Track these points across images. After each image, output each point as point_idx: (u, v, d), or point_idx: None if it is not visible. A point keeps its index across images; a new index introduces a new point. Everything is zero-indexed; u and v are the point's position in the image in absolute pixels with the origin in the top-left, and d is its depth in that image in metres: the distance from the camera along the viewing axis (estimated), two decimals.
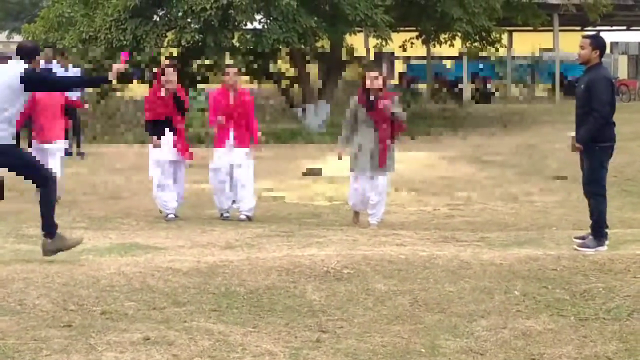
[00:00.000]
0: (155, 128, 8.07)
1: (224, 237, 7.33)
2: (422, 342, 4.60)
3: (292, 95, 18.87)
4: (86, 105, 13.59)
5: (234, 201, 8.25)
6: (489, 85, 23.83)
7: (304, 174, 11.56)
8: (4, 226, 8.04)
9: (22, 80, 5.24)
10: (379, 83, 7.63)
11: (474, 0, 16.48)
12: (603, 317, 4.89)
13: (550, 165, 13.10)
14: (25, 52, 5.58)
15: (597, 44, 6.01)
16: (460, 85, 23.52)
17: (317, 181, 11.69)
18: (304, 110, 17.86)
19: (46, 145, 8.92)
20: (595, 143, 5.91)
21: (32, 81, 5.38)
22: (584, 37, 6.35)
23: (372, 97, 7.51)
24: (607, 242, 6.03)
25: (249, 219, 7.92)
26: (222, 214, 8.23)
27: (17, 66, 5.41)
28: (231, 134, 8.01)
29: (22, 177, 5.96)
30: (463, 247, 6.69)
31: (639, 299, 5.04)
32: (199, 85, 17.42)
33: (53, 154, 8.82)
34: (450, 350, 4.48)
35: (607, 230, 6.09)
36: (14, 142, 6.25)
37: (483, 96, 23.03)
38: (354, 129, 7.74)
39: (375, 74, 7.63)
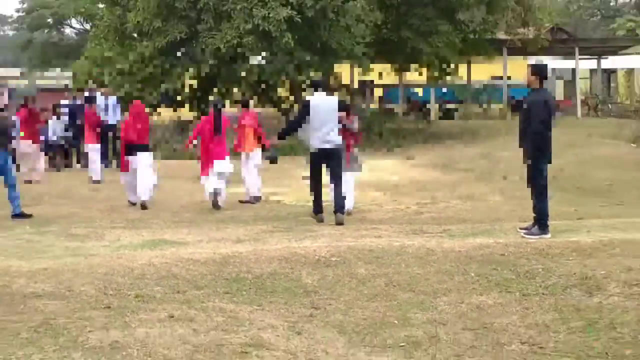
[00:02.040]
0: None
1: (235, 233, 8.14)
2: (396, 316, 5.29)
3: (291, 116, 21.03)
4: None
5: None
6: (451, 106, 27.29)
7: (303, 178, 12.39)
8: (56, 227, 8.94)
9: None
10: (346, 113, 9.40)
11: (438, 37, 18.77)
12: (542, 293, 5.63)
13: (501, 170, 14.42)
14: None
15: (537, 70, 6.76)
16: (428, 106, 27.01)
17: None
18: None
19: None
20: (537, 151, 6.73)
21: None
22: (529, 65, 7.09)
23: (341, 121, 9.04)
24: (549, 232, 6.83)
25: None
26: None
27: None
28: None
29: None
30: (429, 238, 7.48)
31: (571, 278, 5.81)
32: None
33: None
34: (419, 321, 5.15)
35: (549, 221, 6.87)
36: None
37: (446, 115, 26.31)
38: None
39: (342, 113, 9.18)
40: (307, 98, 9.18)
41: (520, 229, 7.15)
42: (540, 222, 6.83)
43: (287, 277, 6.03)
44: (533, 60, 16.83)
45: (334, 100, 9.12)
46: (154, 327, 4.84)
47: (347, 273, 6.16)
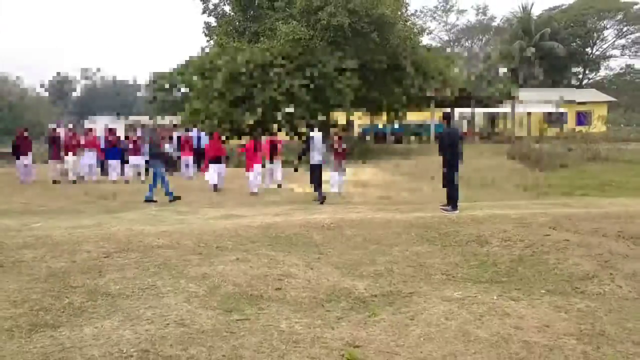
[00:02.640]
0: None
1: (274, 210, 10.45)
2: (367, 259, 7.22)
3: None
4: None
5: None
6: (400, 136, 37.30)
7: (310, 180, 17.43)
8: (170, 207, 12.05)
9: None
10: (338, 139, 14.44)
11: (392, 96, 26.35)
12: (453, 245, 7.74)
13: (429, 173, 18.43)
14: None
15: (446, 116, 9.88)
16: (387, 136, 37.61)
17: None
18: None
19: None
20: (450, 161, 9.71)
21: None
22: (442, 113, 10.35)
23: (334, 145, 13.76)
24: (458, 209, 9.61)
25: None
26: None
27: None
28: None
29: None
30: (387, 213, 9.54)
31: (471, 236, 7.96)
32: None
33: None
34: (380, 261, 7.08)
35: (458, 203, 9.72)
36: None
37: (397, 141, 36.62)
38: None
39: (336, 137, 14.32)
40: (310, 134, 13.93)
41: (441, 207, 9.91)
42: (453, 203, 9.65)
43: (304, 236, 7.92)
44: (445, 110, 24.37)
45: (320, 135, 14.10)
46: (227, 265, 6.54)
47: (340, 233, 8.05)
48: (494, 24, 69.66)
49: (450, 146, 9.51)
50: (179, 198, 13.89)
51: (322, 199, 13.18)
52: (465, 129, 39.50)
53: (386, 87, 28.63)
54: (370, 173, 19.61)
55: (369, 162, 24.09)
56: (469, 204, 10.73)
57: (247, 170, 15.50)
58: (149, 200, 13.71)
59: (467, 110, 38.39)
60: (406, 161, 24.08)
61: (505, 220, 8.47)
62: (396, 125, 37.43)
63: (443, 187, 9.87)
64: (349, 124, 37.21)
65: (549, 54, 55.45)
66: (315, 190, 13.71)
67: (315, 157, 13.68)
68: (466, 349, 4.61)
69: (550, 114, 41.62)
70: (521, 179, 18.79)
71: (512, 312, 5.37)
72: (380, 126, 39.15)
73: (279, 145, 17.01)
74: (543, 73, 55.46)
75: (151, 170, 14.48)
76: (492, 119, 44.22)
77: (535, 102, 40.40)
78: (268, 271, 6.36)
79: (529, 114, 38.66)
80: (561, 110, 41.78)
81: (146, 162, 17.23)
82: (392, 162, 23.40)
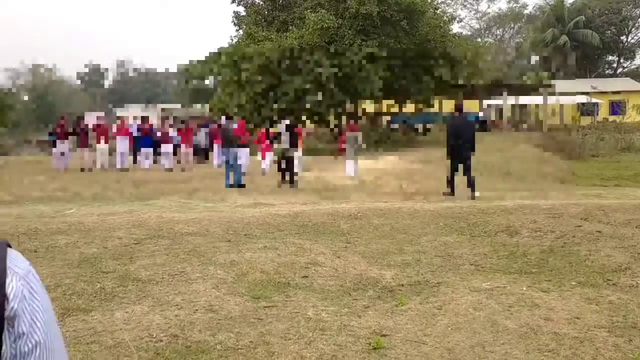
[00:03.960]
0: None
1: (302, 199, 10.66)
2: (395, 248, 7.24)
3: (335, 132, 29.80)
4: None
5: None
6: (429, 126, 35.61)
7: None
8: (200, 194, 12.58)
9: None
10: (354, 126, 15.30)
11: (421, 85, 26.54)
12: (482, 235, 7.74)
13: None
14: None
15: (456, 107, 10.22)
16: (415, 126, 36.22)
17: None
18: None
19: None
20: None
21: None
22: (454, 104, 10.78)
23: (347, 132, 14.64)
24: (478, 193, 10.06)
25: None
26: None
27: None
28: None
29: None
30: (415, 203, 9.62)
31: (500, 226, 7.95)
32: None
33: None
34: (408, 251, 7.14)
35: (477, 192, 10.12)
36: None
37: (425, 132, 35.01)
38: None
39: (352, 126, 15.64)
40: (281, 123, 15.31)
41: (443, 193, 10.55)
42: (473, 186, 10.17)
43: (332, 224, 8.05)
44: (473, 99, 24.01)
45: (285, 124, 15.58)
46: (255, 252, 6.68)
47: (367, 223, 8.13)
48: (526, 11, 68.57)
49: (454, 136, 9.88)
50: (243, 186, 14.70)
51: (294, 184, 14.18)
52: (493, 118, 39.45)
53: (415, 76, 28.62)
54: (398, 162, 19.75)
55: (396, 152, 24.30)
56: (498, 193, 10.64)
57: (262, 159, 17.16)
58: (236, 185, 14.48)
59: (499, 99, 37.95)
60: (434, 151, 23.76)
61: (536, 210, 8.42)
62: (425, 115, 37.20)
63: (450, 175, 10.84)
64: (378, 113, 37.18)
65: (582, 43, 54.42)
66: (283, 177, 14.69)
67: (283, 145, 14.80)
68: (494, 340, 4.60)
69: (583, 103, 40.95)
70: (552, 169, 18.60)
71: (542, 304, 5.32)
72: (409, 116, 39.03)
73: (300, 134, 18.04)
74: (576, 62, 54.45)
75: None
76: (523, 108, 43.69)
77: (567, 91, 39.80)
78: (295, 259, 6.45)
79: (561, 105, 38.14)
80: (594, 100, 41.05)
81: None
82: (421, 152, 23.44)
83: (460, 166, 10.51)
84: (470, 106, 34.86)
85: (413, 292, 5.70)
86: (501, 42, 65.76)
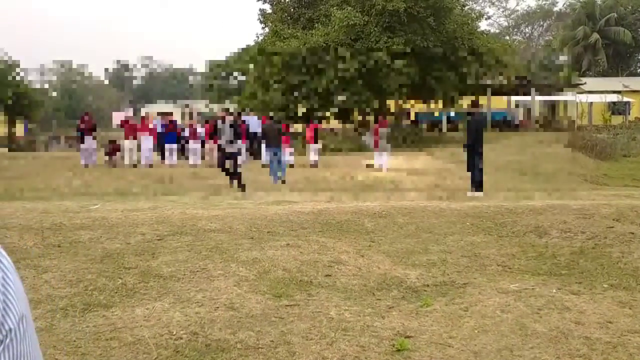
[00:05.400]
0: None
1: (325, 197, 10.74)
2: (420, 248, 6.96)
3: (360, 130, 30.23)
4: None
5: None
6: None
7: (367, 167, 18.74)
8: (223, 191, 12.68)
9: None
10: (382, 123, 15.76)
11: (447, 83, 26.71)
12: (510, 235, 7.53)
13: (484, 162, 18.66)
14: None
15: (473, 104, 10.45)
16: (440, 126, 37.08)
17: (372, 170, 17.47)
18: (364, 136, 28.08)
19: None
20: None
21: None
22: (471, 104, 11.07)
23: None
24: (482, 191, 10.35)
25: None
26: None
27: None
28: None
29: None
30: (442, 201, 9.46)
31: (529, 226, 7.73)
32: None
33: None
34: (433, 251, 6.84)
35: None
36: None
37: (452, 130, 35.34)
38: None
39: (383, 122, 15.95)
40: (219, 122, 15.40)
41: (468, 193, 10.55)
42: (477, 185, 10.38)
43: (355, 223, 7.93)
44: (501, 96, 26.28)
45: (228, 120, 15.03)
46: (277, 250, 6.55)
47: (392, 221, 8.00)
48: (556, 9, 67.51)
49: (474, 132, 10.06)
50: (283, 182, 15.21)
51: (241, 187, 13.32)
52: (521, 117, 39.14)
53: (441, 73, 28.53)
54: (424, 161, 19.72)
55: (422, 150, 24.25)
56: (525, 193, 10.48)
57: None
58: (279, 181, 15.06)
59: (527, 98, 37.63)
60: (461, 149, 23.80)
61: (566, 210, 8.24)
62: (452, 113, 36.78)
63: (467, 171, 11.02)
64: (402, 111, 37.34)
65: (614, 41, 53.41)
66: (230, 177, 13.78)
67: (224, 143, 14.07)
68: (523, 343, 4.47)
69: (614, 102, 40.25)
70: (582, 169, 18.29)
71: (573, 307, 5.16)
72: (436, 114, 38.54)
73: (316, 131, 19.01)
74: (607, 60, 53.44)
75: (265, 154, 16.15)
76: (552, 107, 43.13)
77: (598, 90, 39.13)
78: (318, 257, 6.39)
79: (590, 103, 37.52)
80: (626, 99, 40.31)
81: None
82: (447, 150, 23.23)
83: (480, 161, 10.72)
84: (498, 104, 34.53)
85: (438, 293, 5.59)
86: (530, 40, 64.89)
